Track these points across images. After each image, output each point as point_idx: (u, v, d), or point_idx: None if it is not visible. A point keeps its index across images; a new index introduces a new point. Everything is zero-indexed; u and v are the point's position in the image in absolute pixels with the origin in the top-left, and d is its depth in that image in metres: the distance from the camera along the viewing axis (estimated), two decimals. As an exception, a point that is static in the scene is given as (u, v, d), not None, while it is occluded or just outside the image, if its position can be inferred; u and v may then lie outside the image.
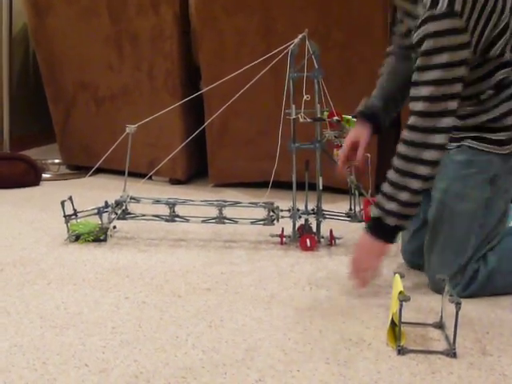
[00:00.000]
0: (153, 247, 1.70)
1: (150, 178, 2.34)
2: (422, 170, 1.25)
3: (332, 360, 1.09)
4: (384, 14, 2.04)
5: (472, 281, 1.35)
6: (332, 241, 1.72)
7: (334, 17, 2.04)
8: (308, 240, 1.68)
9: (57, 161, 2.80)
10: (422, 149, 1.24)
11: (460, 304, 1.08)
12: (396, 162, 1.28)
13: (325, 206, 1.73)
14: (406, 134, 1.27)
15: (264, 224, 1.75)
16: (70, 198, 1.77)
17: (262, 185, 2.14)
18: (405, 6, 1.35)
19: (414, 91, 1.26)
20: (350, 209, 1.75)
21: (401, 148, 1.27)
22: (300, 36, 1.62)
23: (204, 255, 1.64)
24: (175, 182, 2.50)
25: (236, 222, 1.76)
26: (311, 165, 1.68)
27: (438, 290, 1.34)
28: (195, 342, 1.15)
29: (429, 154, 1.24)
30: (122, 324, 1.22)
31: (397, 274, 1.19)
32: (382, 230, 1.31)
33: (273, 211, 1.76)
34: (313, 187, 1.71)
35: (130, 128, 1.77)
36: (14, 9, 2.70)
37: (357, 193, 1.73)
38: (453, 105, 1.22)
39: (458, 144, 1.35)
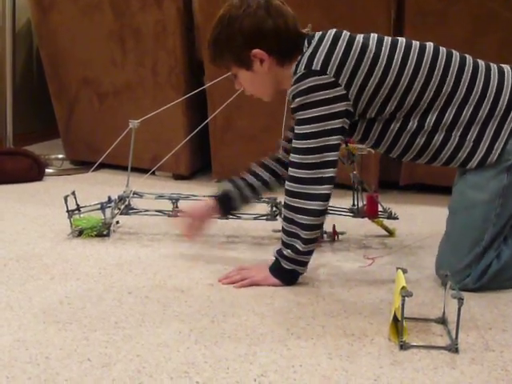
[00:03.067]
0: (156, 242, 1.71)
1: (153, 173, 2.35)
2: (305, 219, 1.32)
3: (334, 355, 1.09)
4: (388, 10, 2.03)
5: (484, 273, 1.35)
6: (335, 236, 1.72)
7: (338, 13, 2.03)
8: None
9: (60, 156, 2.81)
10: (303, 199, 1.31)
11: (462, 299, 1.08)
12: (283, 209, 1.37)
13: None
14: (288, 183, 1.35)
15: (267, 219, 1.75)
16: (73, 193, 1.77)
17: (265, 180, 2.13)
18: None
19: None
20: (353, 204, 1.75)
21: (285, 199, 1.35)
22: (304, 31, 1.61)
23: (207, 250, 1.65)
24: (178, 177, 2.50)
25: (239, 218, 1.76)
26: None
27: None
28: (198, 337, 1.15)
29: (313, 203, 1.31)
30: (125, 319, 1.22)
31: (399, 270, 1.19)
32: (280, 271, 1.39)
33: (276, 206, 1.76)
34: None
35: (133, 123, 1.77)
36: (17, 4, 2.70)
37: (360, 188, 1.73)
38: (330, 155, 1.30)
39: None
